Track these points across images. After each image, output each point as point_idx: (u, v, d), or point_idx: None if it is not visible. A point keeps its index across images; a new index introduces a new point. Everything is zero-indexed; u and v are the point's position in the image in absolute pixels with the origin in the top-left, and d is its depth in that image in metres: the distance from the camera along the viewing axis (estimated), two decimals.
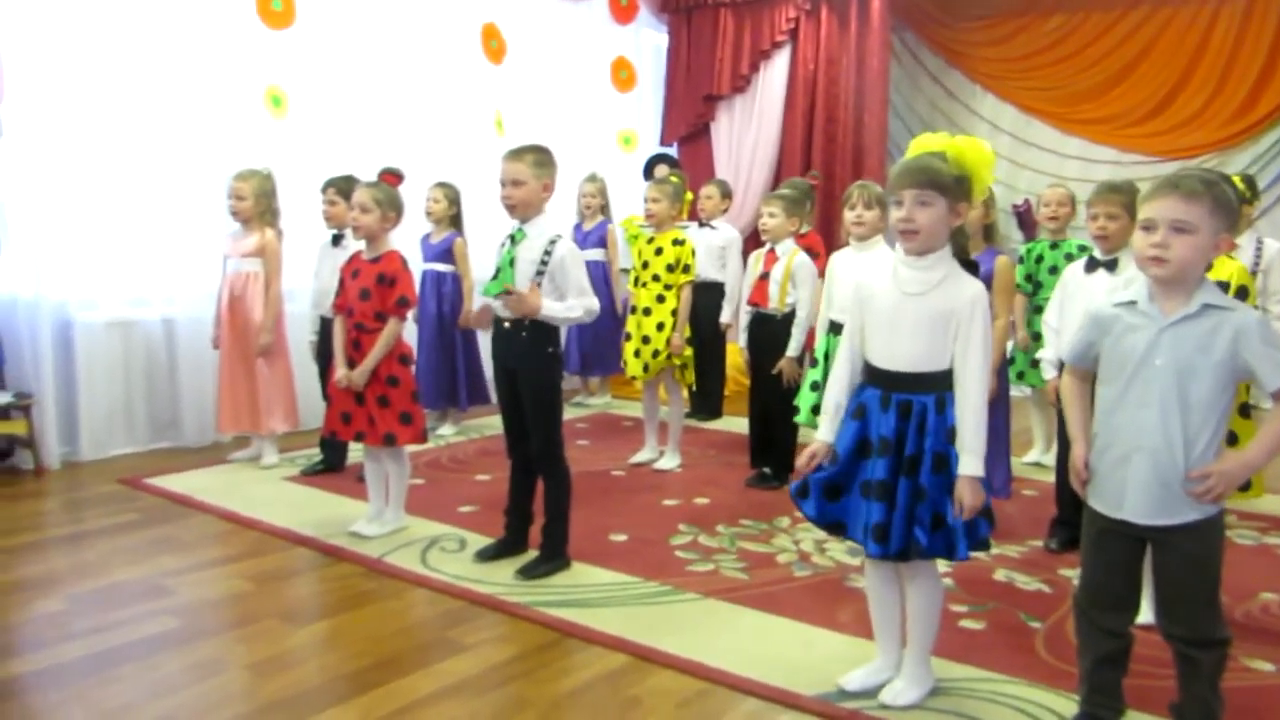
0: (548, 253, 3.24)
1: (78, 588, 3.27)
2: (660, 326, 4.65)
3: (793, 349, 4.31)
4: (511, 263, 3.28)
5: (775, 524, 3.98)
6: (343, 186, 4.48)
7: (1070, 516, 3.59)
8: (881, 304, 2.37)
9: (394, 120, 5.92)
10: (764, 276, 4.37)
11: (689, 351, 4.71)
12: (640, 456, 4.95)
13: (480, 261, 5.10)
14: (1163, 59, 6.85)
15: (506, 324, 3.29)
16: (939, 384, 2.32)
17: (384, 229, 3.68)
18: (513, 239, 3.32)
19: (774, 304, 4.35)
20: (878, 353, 2.39)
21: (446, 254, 5.37)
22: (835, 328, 4.02)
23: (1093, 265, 3.39)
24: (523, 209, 3.27)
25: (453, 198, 5.36)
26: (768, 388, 4.44)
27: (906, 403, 2.33)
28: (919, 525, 2.31)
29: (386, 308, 3.64)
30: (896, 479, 2.33)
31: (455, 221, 5.40)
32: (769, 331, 4.39)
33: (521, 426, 3.36)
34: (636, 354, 4.72)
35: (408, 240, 4.77)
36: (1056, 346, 3.45)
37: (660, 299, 4.67)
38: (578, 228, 6.16)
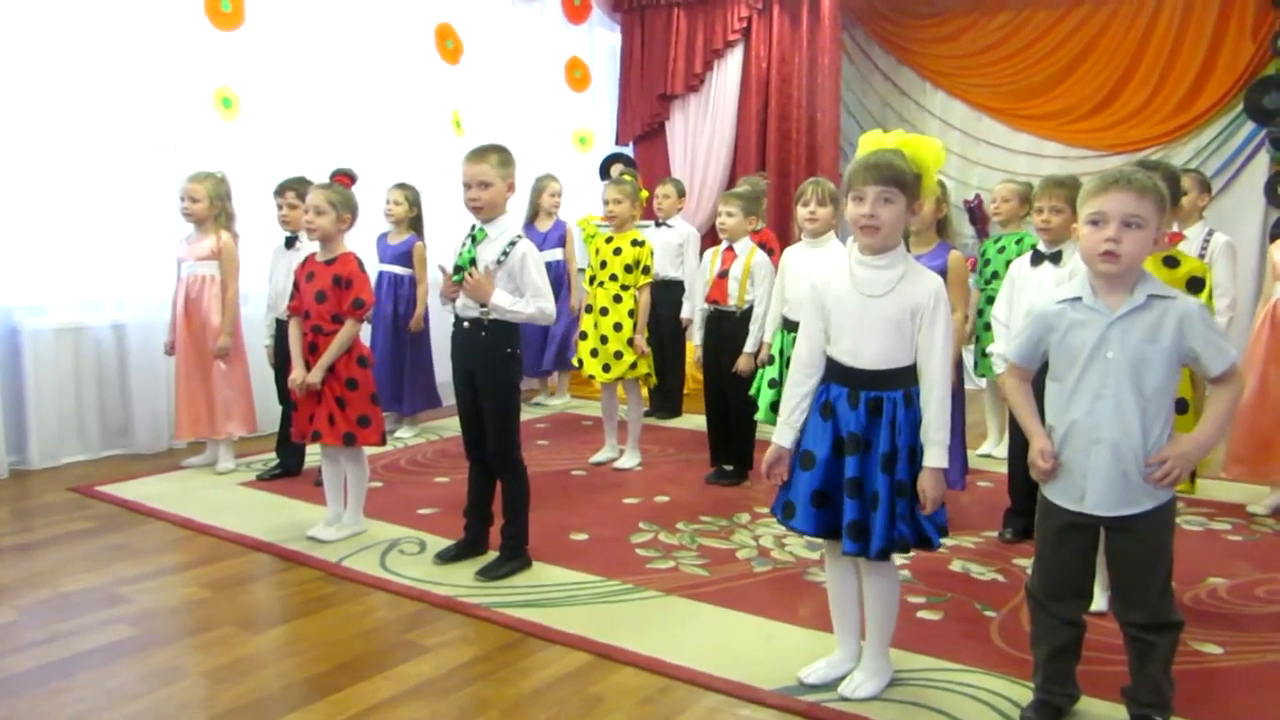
0: (505, 253, 3.24)
1: (28, 598, 3.20)
2: (618, 327, 4.63)
3: (750, 345, 4.31)
4: (472, 262, 3.26)
5: (735, 520, 3.98)
6: (298, 190, 4.44)
7: (1023, 507, 3.61)
8: (845, 305, 2.37)
9: (349, 121, 5.86)
10: (723, 275, 4.37)
11: (651, 350, 4.73)
12: (600, 456, 4.94)
13: (437, 261, 4.99)
14: (1106, 55, 6.92)
15: (466, 324, 3.28)
16: (905, 379, 2.33)
17: (339, 230, 3.66)
18: (474, 238, 3.30)
19: (733, 301, 4.35)
20: (844, 352, 2.38)
21: (405, 257, 5.34)
22: (789, 325, 4.02)
23: (1038, 258, 3.39)
24: (489, 210, 3.25)
25: (413, 199, 5.33)
26: (726, 384, 4.43)
27: (876, 399, 2.33)
28: (902, 520, 2.32)
29: (343, 309, 3.62)
30: (867, 475, 2.33)
31: (415, 224, 5.37)
32: (727, 329, 4.39)
33: (480, 428, 3.34)
34: (594, 353, 4.71)
35: (362, 241, 4.75)
36: (1006, 340, 3.46)
37: (617, 299, 4.64)
38: (530, 227, 6.08)
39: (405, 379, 5.37)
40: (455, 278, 3.23)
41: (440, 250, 5.08)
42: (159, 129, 5.13)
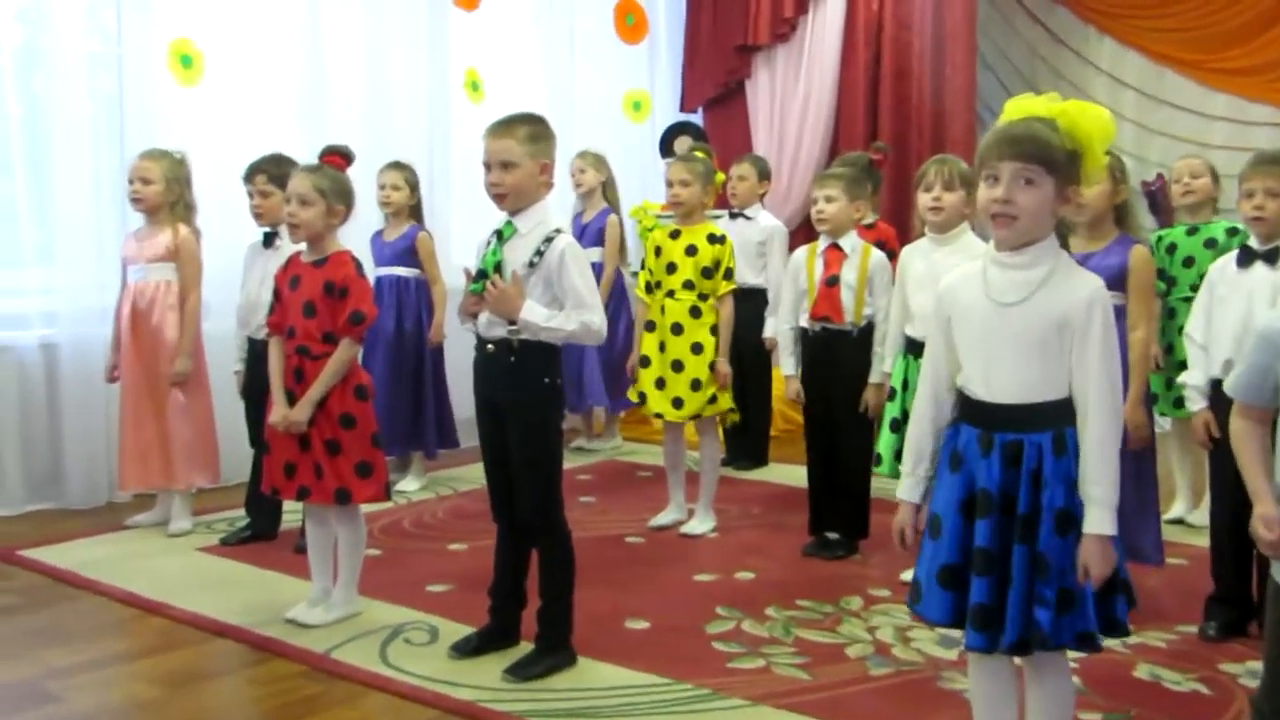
0: (540, 252, 3.26)
1: None
2: (697, 349, 4.64)
3: (876, 374, 4.31)
4: (498, 267, 3.29)
5: (844, 605, 3.94)
6: (274, 173, 4.51)
7: (1233, 593, 3.53)
8: (972, 317, 2.36)
9: (336, 86, 5.97)
10: (832, 281, 4.38)
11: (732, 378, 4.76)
12: (663, 518, 4.95)
13: (458, 267, 5.06)
14: None
15: (490, 346, 3.30)
16: (1056, 418, 2.29)
17: (330, 225, 3.69)
18: (499, 235, 3.34)
19: (849, 317, 4.37)
20: (974, 380, 2.37)
21: (408, 254, 5.42)
22: (914, 346, 4.02)
23: (1247, 257, 3.36)
24: (515, 198, 3.29)
25: (412, 183, 5.44)
26: (837, 426, 4.43)
27: (1014, 445, 2.30)
28: (1041, 605, 2.26)
29: (337, 326, 3.64)
30: (1006, 545, 2.29)
31: (415, 213, 5.48)
32: (839, 352, 4.38)
33: (510, 479, 3.35)
34: (660, 384, 4.72)
35: (353, 241, 4.70)
36: (1204, 367, 3.43)
37: (695, 312, 4.66)
38: (577, 220, 6.19)
39: (425, 412, 5.44)
40: (474, 287, 3.27)
41: (455, 253, 5.33)
42: (100, 94, 5.26)
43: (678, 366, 4.65)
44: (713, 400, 4.66)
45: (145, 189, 4.70)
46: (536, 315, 3.20)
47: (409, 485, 5.53)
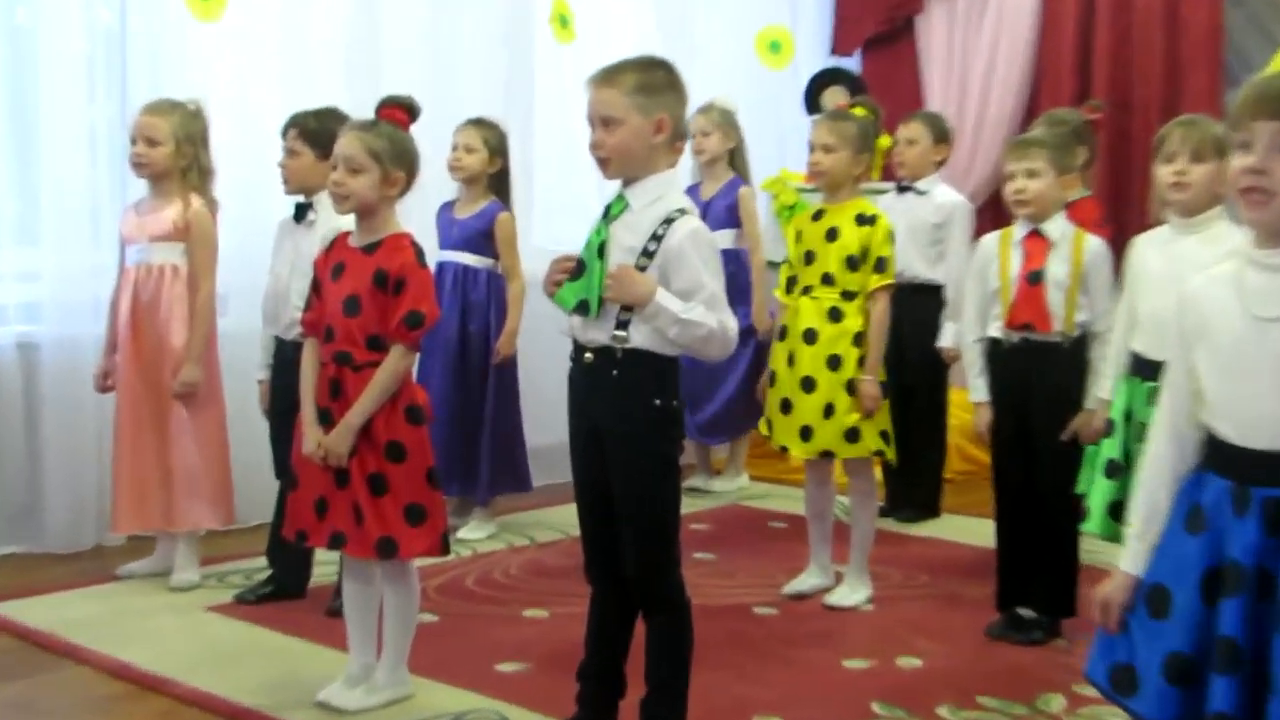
0: (657, 236, 3.28)
1: None
2: (834, 363, 4.59)
3: (1092, 400, 4.23)
4: (602, 251, 3.32)
5: (1041, 706, 3.88)
6: (310, 128, 4.58)
7: None
8: (1223, 334, 2.35)
9: (391, 22, 6.03)
10: (1034, 278, 4.33)
11: (886, 405, 4.71)
12: (803, 583, 4.93)
13: (542, 251, 5.18)
14: None
15: (590, 355, 3.34)
16: None
17: (386, 198, 3.72)
18: (607, 213, 3.38)
19: (1058, 324, 4.32)
20: (1222, 418, 2.34)
21: (481, 237, 5.47)
22: (1142, 367, 3.96)
23: None
24: (620, 163, 3.31)
25: (494, 144, 5.48)
26: (1032, 467, 4.36)
27: (1278, 504, 2.26)
28: None
29: (389, 329, 3.66)
30: (1262, 638, 2.24)
31: (497, 184, 5.52)
32: (1043, 371, 4.33)
33: (611, 529, 3.37)
34: (787, 408, 4.68)
35: (417, 215, 4.85)
36: None
37: (834, 315, 4.62)
38: (694, 195, 6.06)
39: (480, 444, 5.46)
40: (564, 298, 3.31)
41: (538, 236, 5.48)
42: (98, 29, 5.28)
43: (808, 385, 4.61)
44: (853, 436, 4.60)
45: (150, 150, 4.76)
46: (673, 301, 3.21)
47: (473, 533, 5.53)
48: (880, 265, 4.63)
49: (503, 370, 5.54)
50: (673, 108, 3.30)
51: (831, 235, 4.64)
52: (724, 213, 6.15)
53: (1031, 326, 4.32)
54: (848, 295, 4.62)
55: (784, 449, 4.77)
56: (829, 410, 4.59)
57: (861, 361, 4.60)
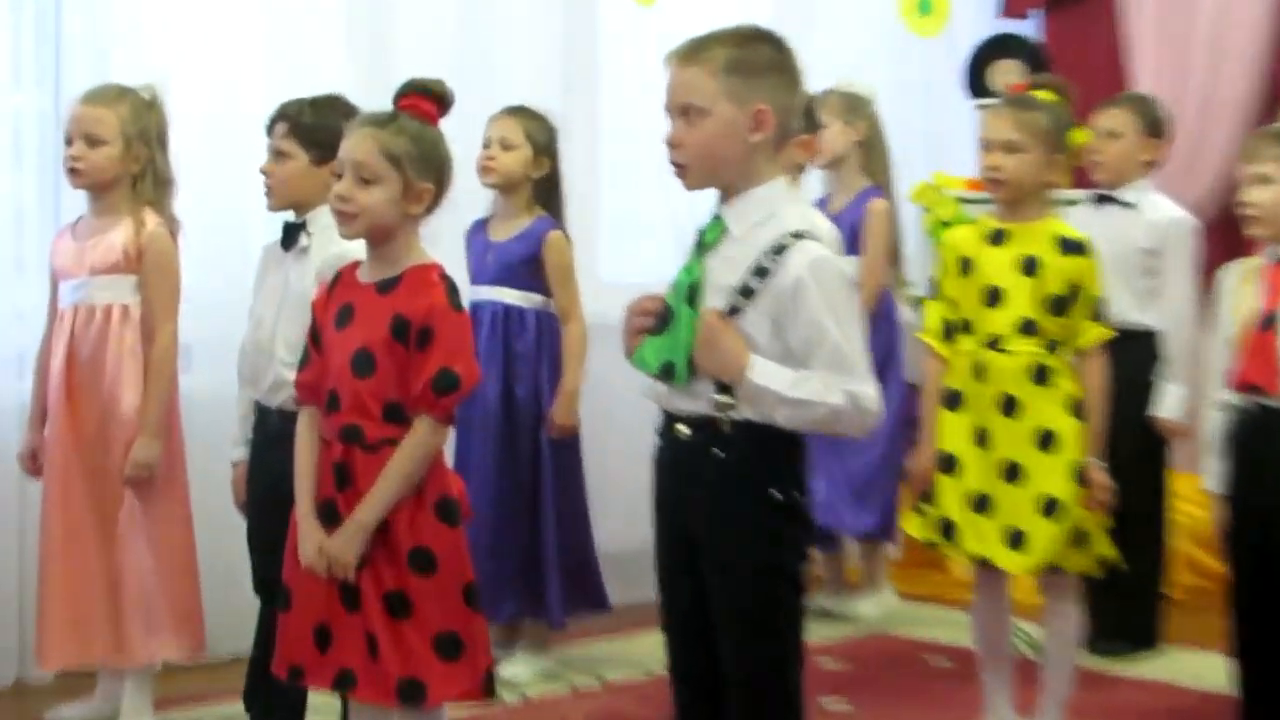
0: (761, 270, 3.11)
1: None
2: (1049, 442, 4.36)
3: None
4: (693, 292, 3.17)
5: None
6: (301, 122, 4.44)
7: None
8: None
9: None
10: (1267, 322, 4.17)
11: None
12: None
13: (613, 288, 5.32)
14: None
15: (684, 430, 3.19)
16: None
17: (408, 217, 3.55)
18: (700, 242, 3.23)
19: None
20: None
21: (526, 267, 5.24)
22: None
23: None
24: (703, 169, 3.20)
25: (540, 140, 5.28)
26: None
27: None
28: None
29: (413, 394, 3.47)
30: None
31: (545, 194, 5.31)
32: None
33: (709, 663, 3.25)
34: (982, 505, 4.42)
35: (449, 239, 4.74)
36: None
37: (1041, 376, 4.39)
38: (821, 206, 5.96)
39: (539, 548, 5.28)
40: (646, 360, 3.22)
41: (610, 271, 5.65)
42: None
43: (1014, 474, 4.38)
44: (1081, 540, 4.38)
45: (92, 152, 4.57)
46: (773, 378, 3.07)
47: (521, 671, 5.29)
48: (1097, 310, 4.45)
49: (562, 447, 5.31)
50: (778, 95, 3.18)
51: (1029, 267, 4.39)
52: (852, 233, 5.94)
53: (1261, 390, 4.20)
54: (1053, 347, 4.39)
55: (983, 562, 4.48)
56: (1049, 507, 4.35)
57: (1081, 439, 4.43)
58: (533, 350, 5.29)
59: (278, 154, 4.46)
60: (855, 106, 6.13)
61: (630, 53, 6.53)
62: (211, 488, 4.77)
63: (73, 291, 4.64)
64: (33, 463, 4.73)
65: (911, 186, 6.17)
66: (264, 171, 4.50)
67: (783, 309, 3.10)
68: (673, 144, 3.19)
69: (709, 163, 3.17)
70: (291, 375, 3.84)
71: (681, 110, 3.15)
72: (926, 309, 4.79)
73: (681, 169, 3.19)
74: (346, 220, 3.53)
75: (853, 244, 5.95)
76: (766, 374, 3.05)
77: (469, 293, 5.08)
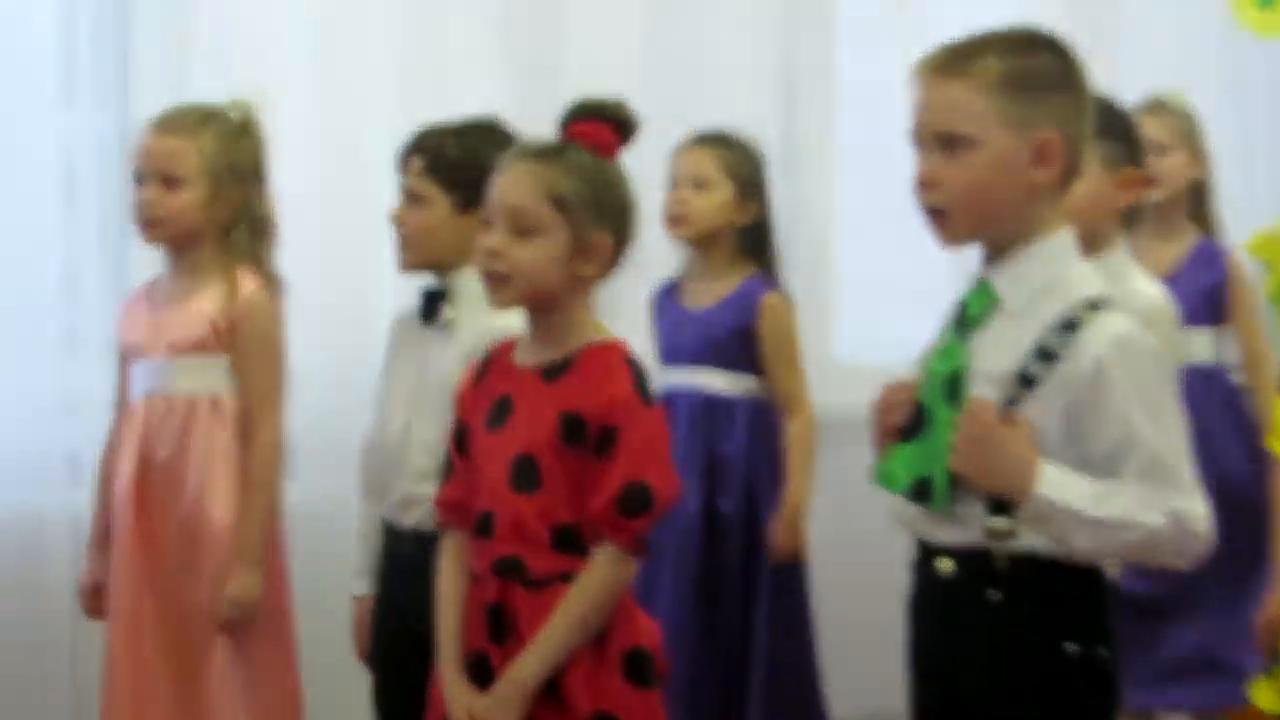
0: (1046, 353, 3.01)
1: None
2: None
3: None
4: (953, 385, 3.04)
5: None
6: (453, 158, 4.27)
7: None
8: None
9: None
10: None
11: None
12: None
13: (852, 372, 5.41)
14: None
15: (945, 564, 3.10)
16: None
17: (580, 280, 3.43)
18: (963, 315, 3.11)
19: None
20: None
21: (736, 345, 5.09)
22: None
23: None
24: (970, 219, 3.07)
25: (745, 175, 5.14)
26: None
27: None
28: None
29: (592, 514, 3.32)
30: None
31: (754, 245, 5.18)
32: None
33: None
34: None
35: (630, 308, 4.81)
36: None
37: None
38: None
39: (743, 717, 5.11)
40: (893, 472, 3.20)
41: (848, 343, 5.88)
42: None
43: None
44: None
45: (169, 197, 4.40)
46: (1070, 490, 2.92)
47: None
48: None
49: (783, 580, 5.07)
50: (1067, 118, 3.09)
51: None
52: (1197, 298, 5.72)
53: None
54: None
55: None
56: None
57: None
58: (744, 452, 5.11)
59: (412, 197, 4.25)
60: (1196, 129, 5.99)
61: (865, 55, 6.37)
62: (324, 632, 4.65)
63: (147, 376, 4.48)
64: (93, 600, 4.55)
65: (1252, 235, 5.89)
66: (394, 220, 4.28)
67: (1078, 403, 2.92)
68: (927, 183, 2.99)
69: (977, 208, 2.99)
70: (429, 489, 3.74)
71: (941, 139, 3.00)
72: (1276, 404, 4.75)
73: (939, 216, 2.98)
74: (498, 284, 3.37)
75: (1198, 312, 5.73)
76: (1062, 486, 2.85)
77: (659, 378, 4.93)
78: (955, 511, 2.96)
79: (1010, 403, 2.92)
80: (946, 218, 2.96)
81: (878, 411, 3.09)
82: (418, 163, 4.24)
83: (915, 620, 3.10)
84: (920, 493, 2.97)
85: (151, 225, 4.42)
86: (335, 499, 4.94)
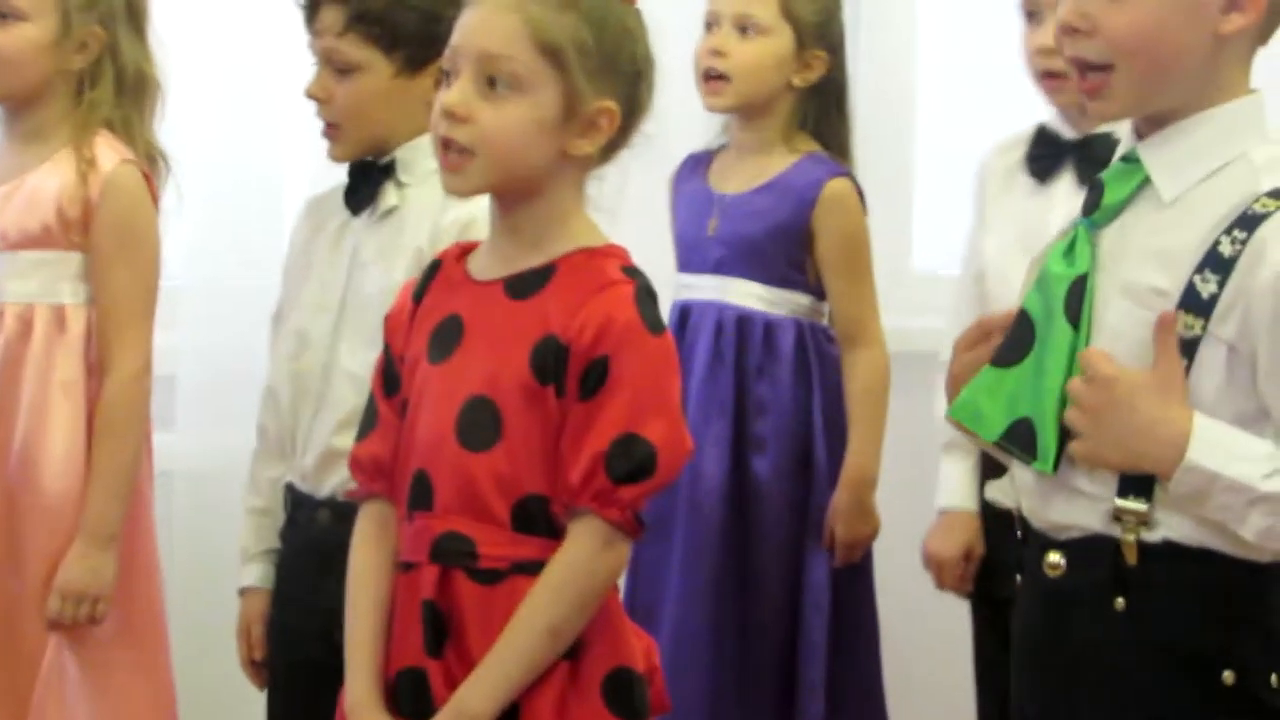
0: (1218, 260, 2.83)
1: None
2: None
3: None
4: (1076, 296, 2.85)
5: None
6: (380, 7, 3.90)
7: None
8: None
9: None
10: None
11: None
12: None
13: (932, 286, 5.14)
14: None
15: (1055, 558, 2.98)
16: None
17: (571, 161, 3.12)
18: (1099, 200, 2.90)
19: None
20: None
21: (784, 246, 4.49)
22: None
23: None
24: (1138, 81, 2.82)
25: (808, 20, 4.58)
26: None
27: None
28: None
29: (571, 479, 2.99)
30: None
31: (819, 117, 4.59)
32: None
33: None
34: None
35: (626, 226, 4.15)
36: None
37: None
38: None
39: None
40: (962, 407, 3.25)
41: (924, 259, 5.72)
42: None
43: None
44: None
45: (1, 36, 4.06)
46: (1237, 456, 2.68)
47: None
48: None
49: (847, 577, 4.45)
50: None
51: None
52: None
53: None
54: None
55: None
56: None
57: None
58: (787, 396, 4.38)
59: (336, 65, 3.77)
60: None
61: None
62: (209, 626, 4.32)
63: None
64: None
65: None
66: (313, 96, 3.78)
67: (1252, 332, 2.62)
68: (1079, 26, 2.73)
69: (1147, 59, 2.68)
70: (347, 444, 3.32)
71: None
72: None
73: (1095, 77, 2.70)
74: (458, 159, 2.93)
75: None
76: (1227, 450, 2.56)
77: (673, 289, 4.42)
78: (1069, 480, 2.67)
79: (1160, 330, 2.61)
80: (1107, 76, 2.67)
81: (963, 343, 2.80)
82: (335, 17, 3.73)
83: (1020, 629, 2.88)
84: (1018, 439, 2.66)
85: None
86: (224, 453, 4.48)
